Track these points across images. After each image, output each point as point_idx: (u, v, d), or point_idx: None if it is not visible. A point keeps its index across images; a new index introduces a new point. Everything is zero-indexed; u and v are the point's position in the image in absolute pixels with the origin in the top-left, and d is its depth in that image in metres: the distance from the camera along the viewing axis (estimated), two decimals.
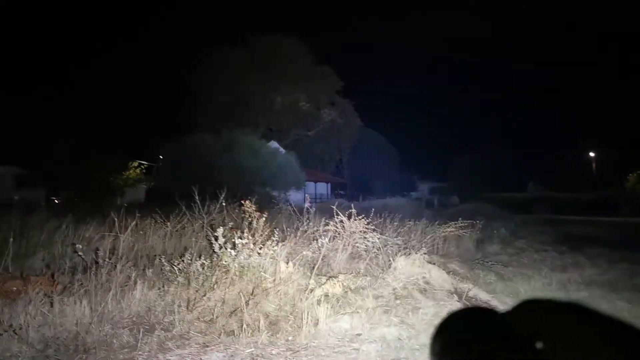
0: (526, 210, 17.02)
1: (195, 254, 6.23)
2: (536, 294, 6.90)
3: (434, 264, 7.64)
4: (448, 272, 7.50)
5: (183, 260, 6.05)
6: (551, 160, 51.64)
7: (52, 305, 4.85)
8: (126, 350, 4.30)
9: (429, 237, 9.50)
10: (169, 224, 8.82)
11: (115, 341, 4.41)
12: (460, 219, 10.33)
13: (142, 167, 39.58)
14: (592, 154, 47.90)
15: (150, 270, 6.00)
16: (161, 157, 36.76)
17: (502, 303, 6.33)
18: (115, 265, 5.68)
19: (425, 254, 7.68)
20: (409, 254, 7.64)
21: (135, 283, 5.50)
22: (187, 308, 5.26)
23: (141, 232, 8.20)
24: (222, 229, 6.42)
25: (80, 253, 6.21)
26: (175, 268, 5.91)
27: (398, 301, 6.02)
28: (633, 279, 8.09)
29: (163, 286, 5.66)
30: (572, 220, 21.68)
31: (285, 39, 46.52)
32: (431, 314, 5.56)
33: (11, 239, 6.66)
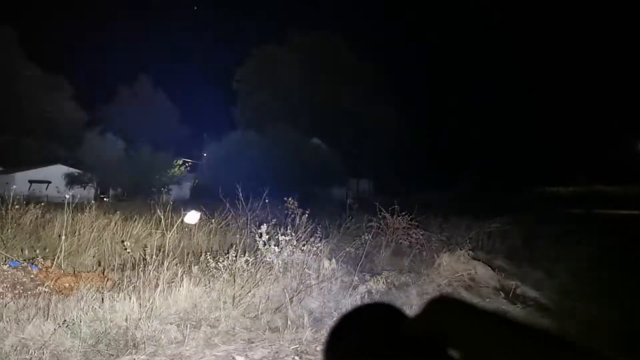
0: (573, 204, 16.55)
1: (239, 251, 6.29)
2: (587, 291, 6.71)
3: (479, 260, 7.54)
4: (494, 269, 7.38)
5: (228, 257, 6.12)
6: (599, 153, 49.97)
7: (102, 301, 4.98)
8: (174, 345, 4.38)
9: (473, 232, 9.36)
10: (213, 221, 8.95)
11: (163, 337, 4.50)
12: (505, 214, 10.13)
13: (187, 164, 40.22)
14: None
15: (196, 267, 6.09)
16: (205, 154, 37.34)
17: (550, 301, 6.18)
18: (162, 262, 5.79)
19: (470, 250, 7.58)
20: (454, 250, 7.55)
21: (182, 280, 5.59)
22: (233, 304, 5.32)
23: (186, 229, 8.35)
24: (265, 226, 6.48)
25: (128, 250, 6.37)
26: (220, 265, 5.98)
27: None
28: None
29: (209, 283, 5.74)
30: (621, 215, 20.98)
31: (327, 36, 46.50)
32: None
33: (63, 237, 6.88)
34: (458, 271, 6.90)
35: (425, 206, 10.47)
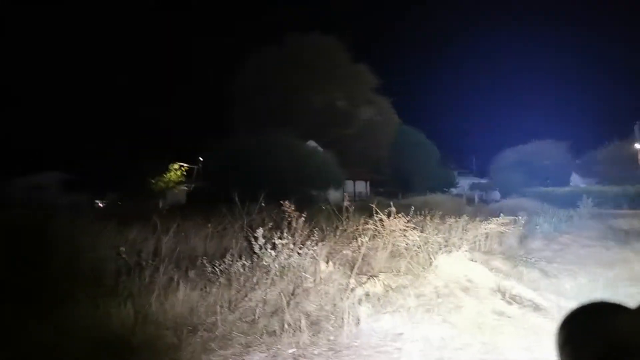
0: (570, 204, 16.59)
1: (236, 255, 6.28)
2: (582, 291, 6.70)
3: (476, 261, 7.52)
4: (490, 270, 7.35)
5: (224, 261, 6.11)
6: (595, 153, 50.13)
7: (98, 307, 4.95)
8: (170, 351, 4.36)
9: (470, 234, 9.34)
10: (210, 225, 8.92)
11: (159, 342, 4.48)
12: (502, 215, 10.11)
13: (183, 169, 40.13)
14: (637, 146, 46.10)
15: (193, 271, 6.07)
16: (201, 158, 37.26)
17: (546, 300, 6.17)
18: (158, 267, 5.77)
19: (466, 251, 7.57)
20: (450, 251, 7.54)
21: (178, 284, 5.58)
22: (229, 309, 5.31)
23: (183, 234, 8.31)
24: (262, 230, 6.46)
25: (124, 255, 6.34)
26: (216, 269, 5.96)
27: (440, 300, 5.94)
28: None
29: (205, 287, 5.72)
30: (618, 214, 21.00)
31: (321, 38, 46.47)
32: (474, 313, 5.47)
33: (58, 243, 6.85)
34: (455, 273, 6.89)
35: (422, 208, 10.46)
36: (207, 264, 6.09)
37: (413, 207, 8.93)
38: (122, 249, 6.49)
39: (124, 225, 8.93)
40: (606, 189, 33.42)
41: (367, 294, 5.91)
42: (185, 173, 40.38)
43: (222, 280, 5.84)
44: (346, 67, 46.66)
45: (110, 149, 35.04)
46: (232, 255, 6.27)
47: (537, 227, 12.82)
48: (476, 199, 34.64)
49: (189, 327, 4.85)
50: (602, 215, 18.25)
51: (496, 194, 41.61)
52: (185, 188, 38.24)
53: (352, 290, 5.88)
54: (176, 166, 39.30)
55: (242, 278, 5.96)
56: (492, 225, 9.66)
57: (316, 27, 48.06)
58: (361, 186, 47.58)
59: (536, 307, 5.93)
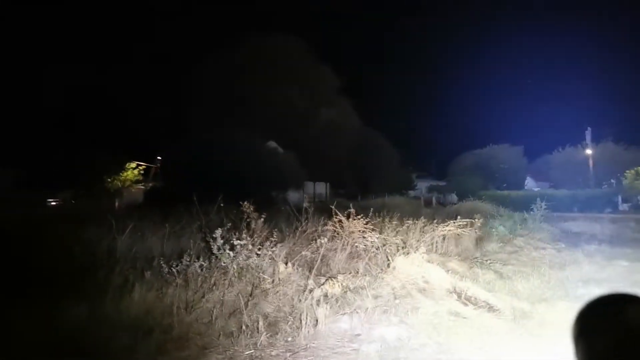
0: (525, 207, 17.01)
1: (193, 256, 6.21)
2: (535, 292, 6.87)
3: (433, 263, 7.62)
4: (447, 271, 7.47)
5: (181, 262, 6.03)
6: (549, 158, 51.44)
7: (50, 308, 4.83)
8: (125, 352, 4.28)
9: (427, 236, 9.45)
10: (167, 225, 8.80)
11: (113, 344, 4.39)
12: (458, 217, 10.29)
13: (140, 168, 39.32)
14: (588, 151, 47.55)
15: (149, 272, 5.97)
16: (159, 157, 36.64)
17: (501, 301, 6.30)
18: (113, 268, 5.66)
19: (424, 253, 7.66)
20: (408, 253, 7.62)
21: (134, 285, 5.48)
22: (186, 310, 5.24)
23: (139, 234, 8.18)
24: (220, 230, 6.41)
25: (78, 255, 6.20)
26: (173, 270, 5.88)
27: (397, 301, 6.00)
28: (632, 276, 8.09)
29: (161, 288, 5.63)
30: (569, 217, 21.67)
31: (283, 38, 46.37)
32: (430, 314, 5.55)
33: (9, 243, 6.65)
34: (412, 274, 6.97)
35: (381, 209, 10.55)
36: (163, 265, 6.00)
37: (372, 209, 8.99)
38: (77, 248, 6.36)
39: (78, 225, 8.73)
40: (558, 193, 34.46)
41: (325, 295, 5.93)
42: (142, 172, 39.57)
43: (179, 281, 5.77)
44: (308, 68, 46.68)
45: (64, 146, 33.80)
46: (190, 255, 6.20)
47: (493, 230, 13.09)
48: (434, 202, 35.09)
49: (145, 329, 4.77)
50: (555, 219, 18.83)
51: (453, 197, 42.27)
52: (143, 187, 37.51)
53: (311, 291, 5.89)
54: (133, 165, 38.45)
55: (199, 279, 5.90)
56: (449, 228, 9.81)
57: (278, 27, 47.98)
58: (321, 187, 47.65)
59: (491, 308, 6.05)
